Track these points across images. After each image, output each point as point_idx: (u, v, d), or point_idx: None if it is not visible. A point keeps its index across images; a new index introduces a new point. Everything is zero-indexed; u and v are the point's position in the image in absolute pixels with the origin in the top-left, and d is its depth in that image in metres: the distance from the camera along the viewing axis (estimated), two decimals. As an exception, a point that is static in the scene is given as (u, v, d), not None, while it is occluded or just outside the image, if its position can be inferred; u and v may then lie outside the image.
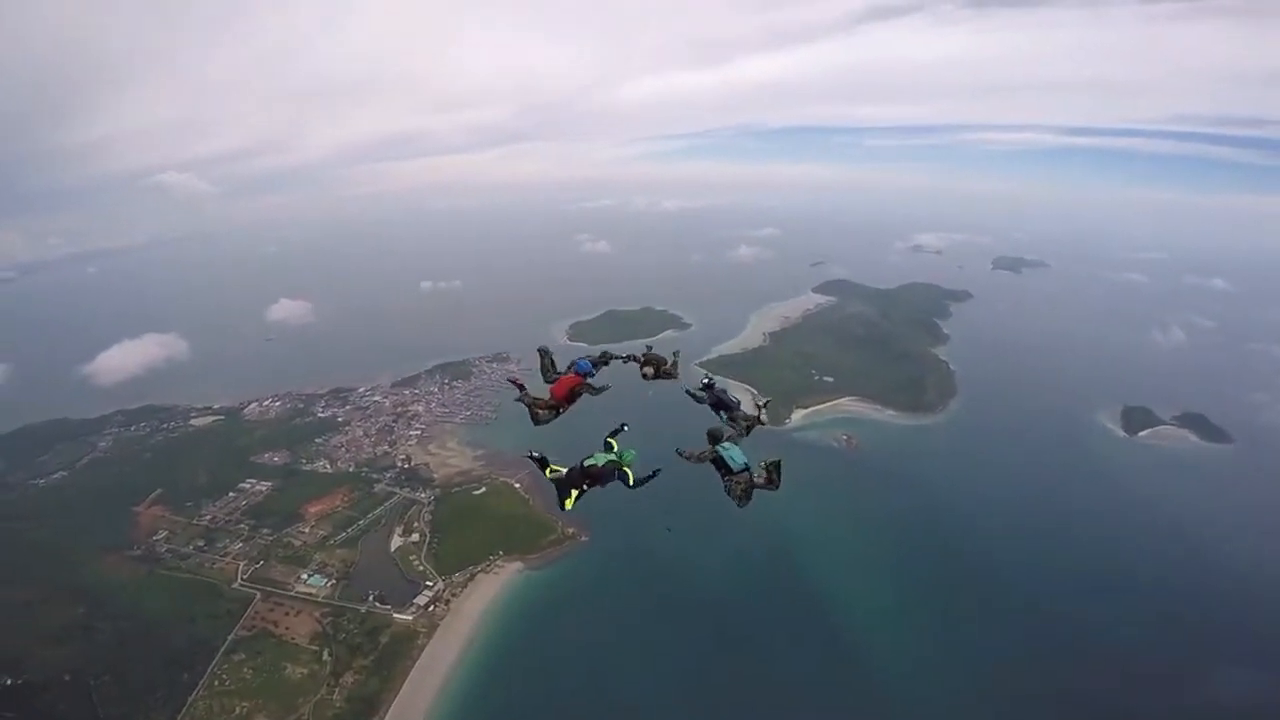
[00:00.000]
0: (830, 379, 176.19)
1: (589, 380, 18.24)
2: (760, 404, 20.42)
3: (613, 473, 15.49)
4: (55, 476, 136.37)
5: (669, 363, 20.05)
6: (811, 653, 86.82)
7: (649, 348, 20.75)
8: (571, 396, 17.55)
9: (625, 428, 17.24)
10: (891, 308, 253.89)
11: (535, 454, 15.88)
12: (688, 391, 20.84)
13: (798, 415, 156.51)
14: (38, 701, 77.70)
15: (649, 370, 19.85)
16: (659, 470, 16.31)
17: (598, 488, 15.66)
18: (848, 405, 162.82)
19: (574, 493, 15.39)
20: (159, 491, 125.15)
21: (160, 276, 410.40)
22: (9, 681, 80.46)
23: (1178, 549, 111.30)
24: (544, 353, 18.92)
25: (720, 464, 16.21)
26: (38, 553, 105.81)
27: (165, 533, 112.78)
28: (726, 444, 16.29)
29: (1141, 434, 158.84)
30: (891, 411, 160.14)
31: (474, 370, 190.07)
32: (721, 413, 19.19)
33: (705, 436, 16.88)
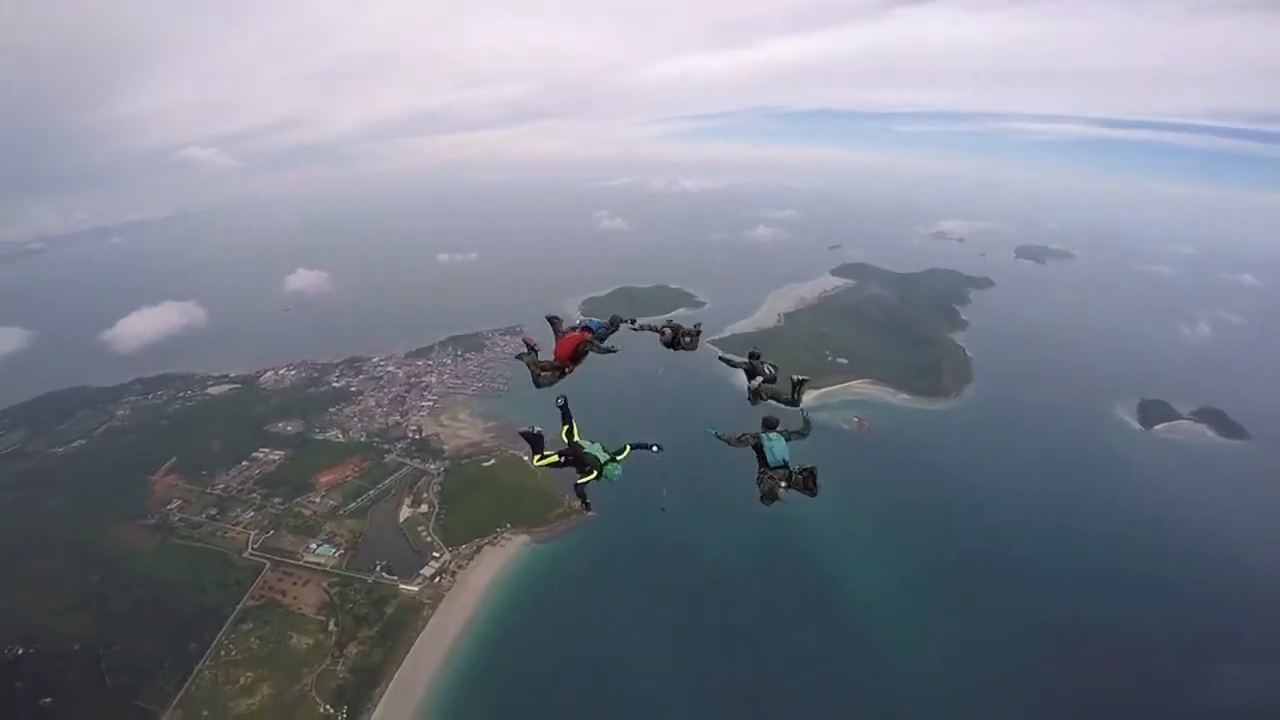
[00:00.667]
0: (845, 361, 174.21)
1: (595, 338, 17.85)
2: (796, 380, 19.79)
3: (592, 470, 15.79)
4: (74, 445, 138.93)
5: (694, 333, 20.11)
6: (815, 635, 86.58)
7: (670, 321, 20.48)
8: (577, 356, 17.04)
9: (657, 450, 17.25)
10: (910, 292, 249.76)
11: (535, 430, 16.18)
12: (721, 358, 22.03)
13: (810, 396, 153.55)
14: (47, 671, 79.02)
15: (667, 333, 19.94)
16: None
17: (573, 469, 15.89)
18: (861, 388, 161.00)
19: (553, 457, 15.91)
20: (174, 460, 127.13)
21: (182, 249, 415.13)
22: (20, 651, 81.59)
23: (1186, 543, 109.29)
24: (554, 321, 18.52)
25: (760, 453, 15.36)
26: (56, 521, 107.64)
27: (179, 501, 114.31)
28: (773, 434, 15.61)
29: (1157, 427, 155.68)
30: (906, 395, 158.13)
31: (486, 342, 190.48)
32: (757, 381, 19.33)
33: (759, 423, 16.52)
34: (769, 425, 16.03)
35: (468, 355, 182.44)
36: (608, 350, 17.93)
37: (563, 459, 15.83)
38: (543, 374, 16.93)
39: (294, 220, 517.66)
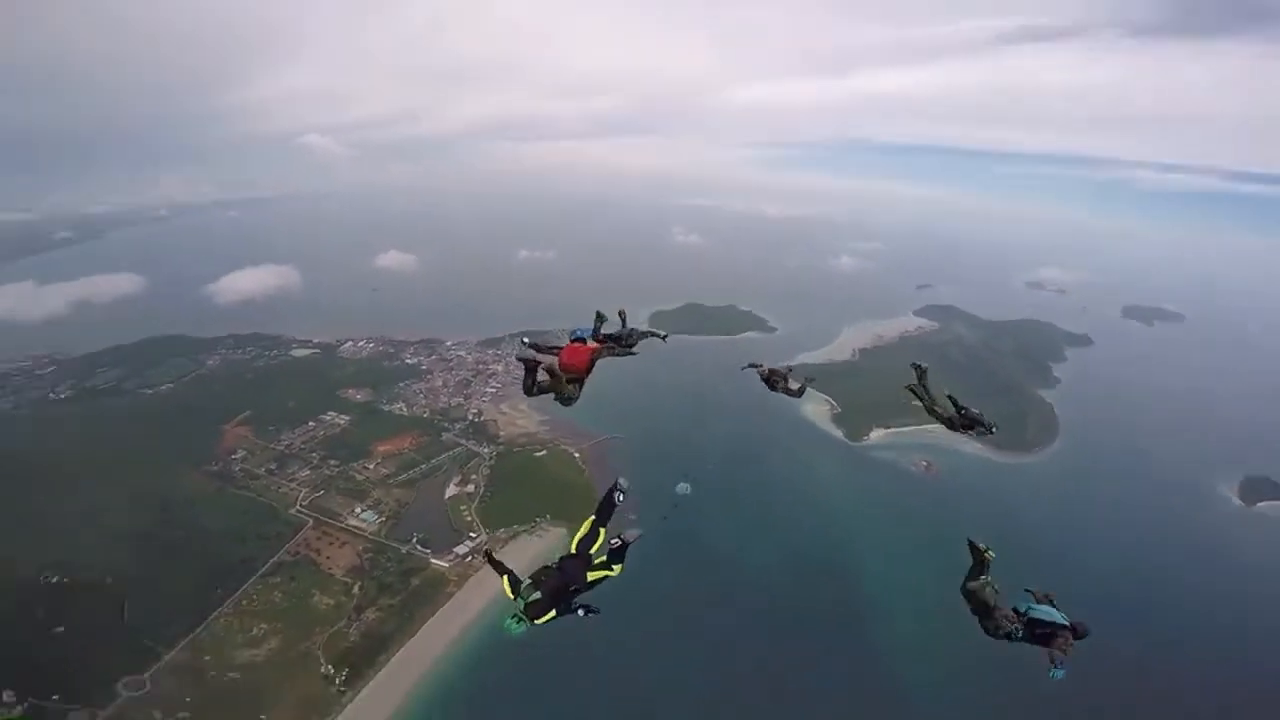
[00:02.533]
0: (919, 404, 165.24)
1: (617, 341, 17.60)
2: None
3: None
4: (163, 388, 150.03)
5: (788, 379, 21.53)
6: (848, 673, 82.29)
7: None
8: (591, 365, 16.02)
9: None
10: (999, 341, 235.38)
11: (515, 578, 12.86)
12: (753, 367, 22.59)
13: (877, 434, 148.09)
14: (73, 602, 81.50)
15: (778, 382, 21.51)
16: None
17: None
18: (933, 432, 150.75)
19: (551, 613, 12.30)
20: (247, 413, 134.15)
21: (289, 224, 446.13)
22: (54, 579, 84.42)
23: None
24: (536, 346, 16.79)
25: (1038, 623, 13.32)
26: (129, 458, 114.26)
27: (244, 453, 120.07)
28: (1040, 606, 13.81)
29: (1260, 505, 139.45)
30: (980, 446, 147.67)
31: (555, 341, 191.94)
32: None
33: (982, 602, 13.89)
34: (1022, 615, 13.72)
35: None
36: (627, 352, 17.52)
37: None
38: (569, 387, 15.53)
39: (392, 208, 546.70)
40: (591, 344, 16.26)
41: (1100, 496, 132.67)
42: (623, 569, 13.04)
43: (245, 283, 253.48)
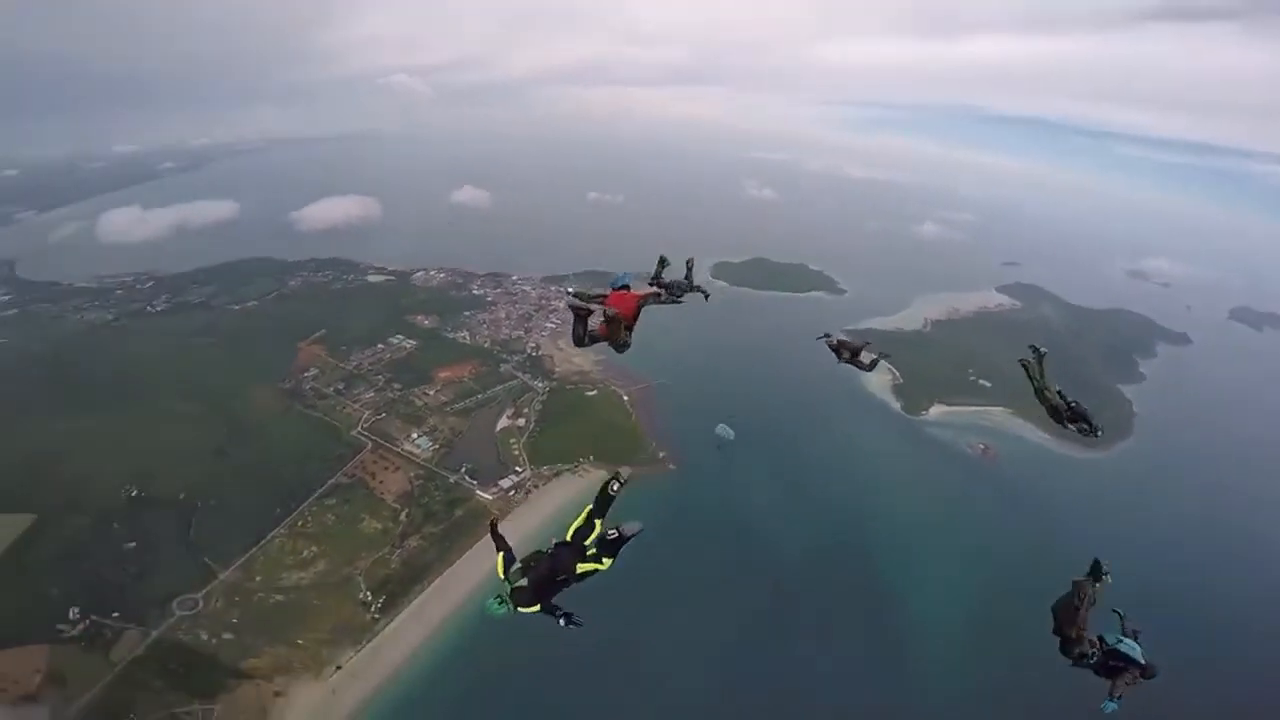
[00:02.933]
0: (987, 384, 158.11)
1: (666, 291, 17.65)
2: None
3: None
4: (249, 304, 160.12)
5: (861, 352, 21.89)
6: (873, 658, 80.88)
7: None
8: (638, 312, 16.13)
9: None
10: (1087, 330, 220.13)
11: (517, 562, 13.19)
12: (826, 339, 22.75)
13: (936, 410, 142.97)
14: (146, 516, 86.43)
15: (845, 354, 21.96)
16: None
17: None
18: (996, 415, 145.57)
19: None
20: (322, 332, 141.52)
21: (373, 158, 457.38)
22: (134, 492, 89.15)
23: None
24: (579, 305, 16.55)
25: (1116, 655, 13.51)
26: (210, 372, 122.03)
27: (315, 371, 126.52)
28: (1126, 640, 13.88)
29: None
30: (1045, 435, 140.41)
31: (601, 290, 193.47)
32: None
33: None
34: (1105, 647, 13.68)
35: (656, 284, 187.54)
36: (675, 300, 17.64)
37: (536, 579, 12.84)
38: (625, 333, 15.74)
39: (468, 147, 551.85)
40: (636, 292, 16.28)
41: (1163, 505, 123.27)
42: (613, 564, 12.88)
43: (330, 211, 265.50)
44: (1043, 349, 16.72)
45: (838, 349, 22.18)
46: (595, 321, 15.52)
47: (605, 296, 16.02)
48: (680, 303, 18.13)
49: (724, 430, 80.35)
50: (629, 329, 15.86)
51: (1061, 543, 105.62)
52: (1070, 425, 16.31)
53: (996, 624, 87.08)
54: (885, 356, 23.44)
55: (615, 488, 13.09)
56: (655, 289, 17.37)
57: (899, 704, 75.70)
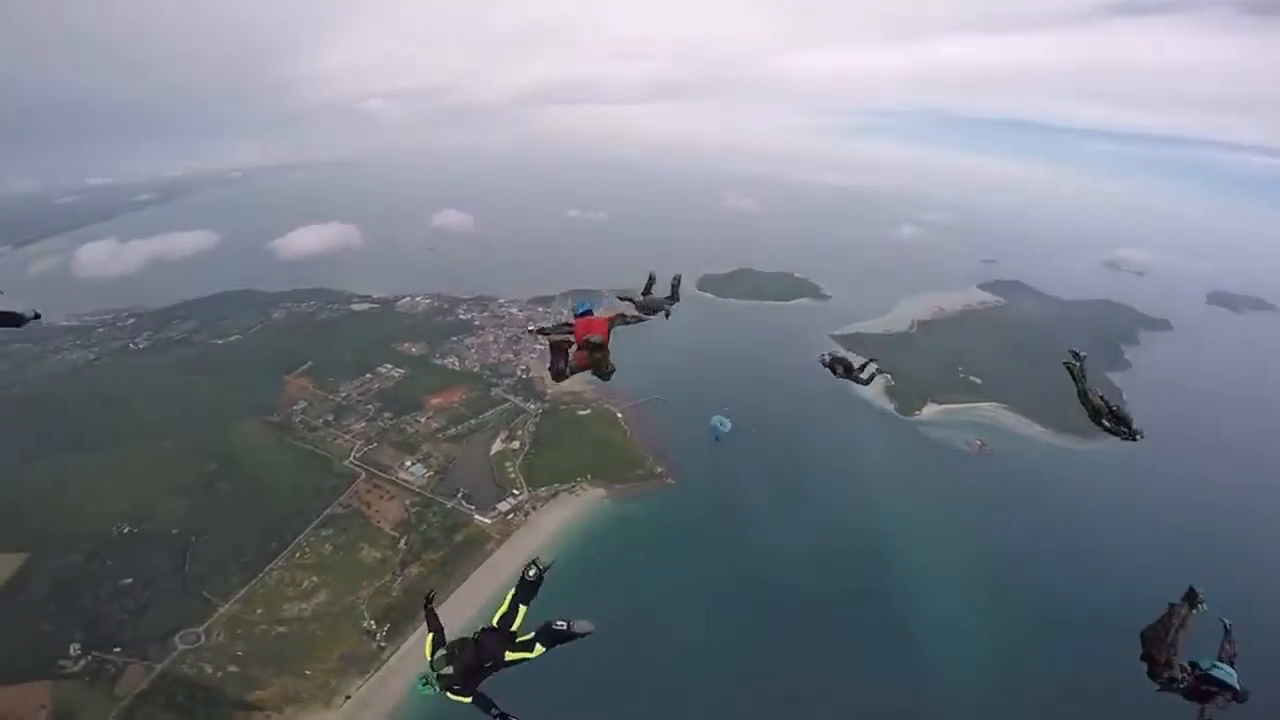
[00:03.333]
0: (977, 380, 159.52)
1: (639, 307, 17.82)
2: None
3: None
4: (231, 339, 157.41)
5: (857, 367, 23.82)
6: (879, 664, 79.46)
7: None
8: (609, 332, 16.05)
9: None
10: (1069, 321, 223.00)
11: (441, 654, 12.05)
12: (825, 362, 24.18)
13: (929, 409, 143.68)
14: (140, 552, 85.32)
15: (839, 369, 23.50)
16: None
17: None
18: (989, 411, 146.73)
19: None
20: (309, 364, 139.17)
21: (352, 185, 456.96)
22: (126, 529, 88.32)
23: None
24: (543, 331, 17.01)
25: (1209, 680, 12.84)
26: (197, 407, 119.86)
27: (304, 403, 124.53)
28: (1223, 666, 13.17)
29: None
30: (1040, 428, 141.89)
31: (604, 300, 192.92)
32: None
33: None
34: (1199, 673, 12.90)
35: (626, 300, 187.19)
36: (640, 319, 17.61)
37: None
38: (608, 359, 15.48)
39: (447, 171, 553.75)
40: (602, 316, 16.10)
41: (1160, 490, 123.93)
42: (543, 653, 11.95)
43: (310, 239, 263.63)
44: (1083, 353, 16.93)
45: (832, 366, 23.27)
46: (573, 352, 15.38)
47: (571, 326, 15.81)
48: (645, 320, 17.95)
49: (720, 422, 79.02)
50: (601, 355, 15.56)
51: (1063, 534, 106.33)
52: (1110, 427, 16.42)
53: (1008, 618, 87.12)
54: (882, 371, 24.73)
55: (533, 573, 12.40)
56: (620, 311, 17.13)
57: (913, 706, 74.83)
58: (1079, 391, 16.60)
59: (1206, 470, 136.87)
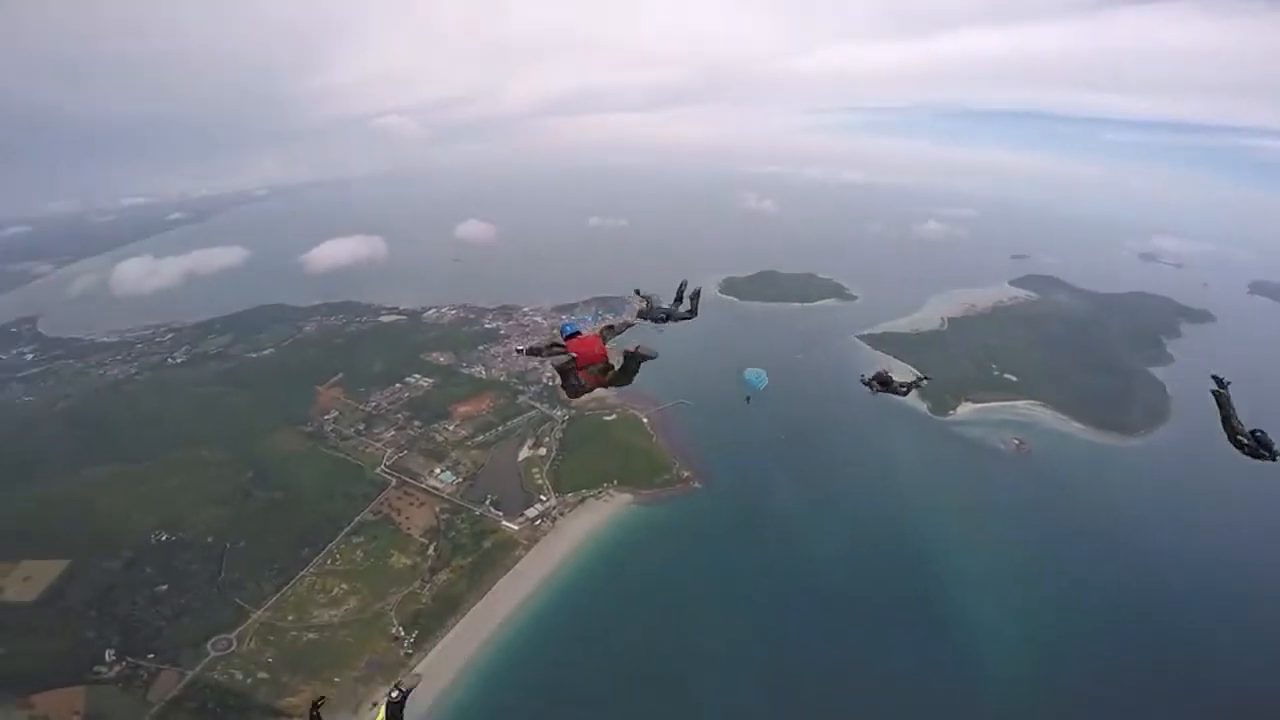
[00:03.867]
0: (1013, 378, 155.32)
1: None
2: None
3: None
4: (265, 352, 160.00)
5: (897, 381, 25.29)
6: (915, 670, 76.84)
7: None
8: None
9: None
10: (1106, 315, 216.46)
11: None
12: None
13: (965, 408, 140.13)
14: (177, 559, 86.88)
15: (876, 386, 24.82)
16: None
17: None
18: (1026, 408, 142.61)
19: None
20: (340, 375, 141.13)
21: (375, 199, 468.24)
22: (164, 537, 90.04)
23: None
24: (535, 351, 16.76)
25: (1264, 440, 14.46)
26: (233, 418, 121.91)
27: (336, 413, 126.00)
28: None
29: None
30: (1079, 425, 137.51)
31: (626, 306, 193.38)
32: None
33: None
34: None
35: (607, 316, 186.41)
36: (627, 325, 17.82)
37: None
38: (623, 375, 15.88)
39: (470, 183, 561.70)
40: (590, 334, 16.07)
41: (1213, 489, 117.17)
42: None
43: (337, 253, 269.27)
44: (1226, 379, 17.34)
45: (870, 384, 24.75)
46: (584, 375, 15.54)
47: (560, 346, 15.66)
48: (633, 325, 17.97)
49: (755, 376, 73.11)
50: (609, 368, 15.68)
51: (1107, 534, 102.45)
52: (1247, 447, 16.58)
53: (1053, 622, 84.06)
54: (922, 382, 27.54)
55: (396, 694, 12.98)
56: (607, 324, 17.05)
57: (960, 704, 72.50)
58: (1223, 419, 16.74)
59: (1253, 465, 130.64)
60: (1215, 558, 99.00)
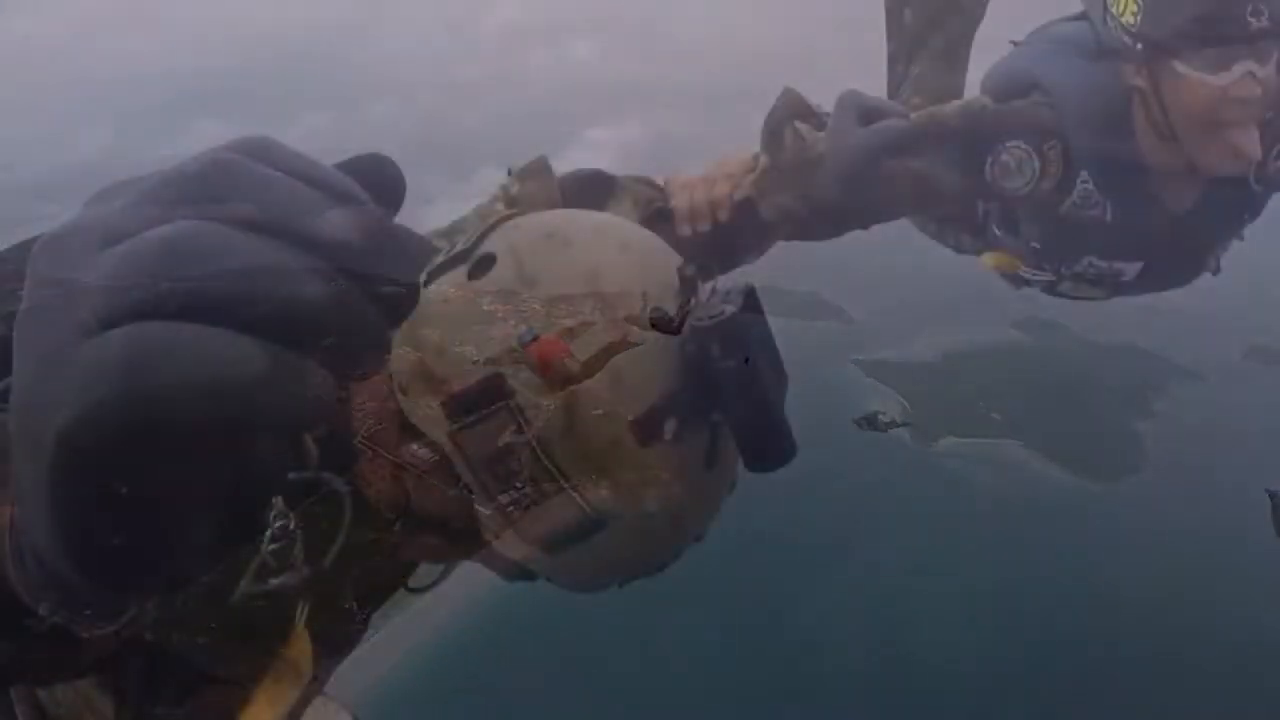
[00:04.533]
0: (998, 417, 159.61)
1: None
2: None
3: None
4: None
5: (883, 421, 23.00)
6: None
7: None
8: None
9: None
10: (1098, 365, 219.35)
11: None
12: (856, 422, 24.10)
13: (947, 441, 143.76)
14: None
15: (864, 424, 22.63)
16: None
17: None
18: (1008, 449, 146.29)
19: None
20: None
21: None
22: None
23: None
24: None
25: None
26: None
27: None
28: None
29: None
30: (1055, 466, 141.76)
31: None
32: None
33: None
34: None
35: None
36: None
37: None
38: None
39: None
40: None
41: (1171, 540, 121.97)
42: None
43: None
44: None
45: (859, 423, 23.80)
46: None
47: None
48: None
49: None
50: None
51: (1081, 577, 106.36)
52: None
53: (1023, 669, 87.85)
54: (907, 424, 25.27)
55: None
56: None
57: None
58: (1275, 522, 18.33)
59: (1231, 514, 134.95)
60: (1176, 595, 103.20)
